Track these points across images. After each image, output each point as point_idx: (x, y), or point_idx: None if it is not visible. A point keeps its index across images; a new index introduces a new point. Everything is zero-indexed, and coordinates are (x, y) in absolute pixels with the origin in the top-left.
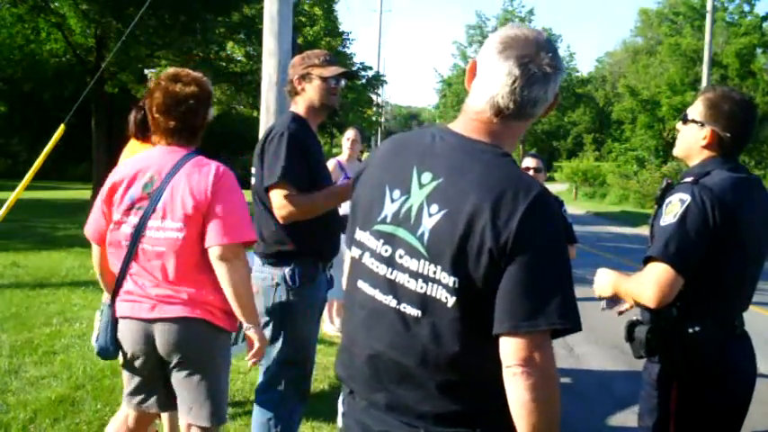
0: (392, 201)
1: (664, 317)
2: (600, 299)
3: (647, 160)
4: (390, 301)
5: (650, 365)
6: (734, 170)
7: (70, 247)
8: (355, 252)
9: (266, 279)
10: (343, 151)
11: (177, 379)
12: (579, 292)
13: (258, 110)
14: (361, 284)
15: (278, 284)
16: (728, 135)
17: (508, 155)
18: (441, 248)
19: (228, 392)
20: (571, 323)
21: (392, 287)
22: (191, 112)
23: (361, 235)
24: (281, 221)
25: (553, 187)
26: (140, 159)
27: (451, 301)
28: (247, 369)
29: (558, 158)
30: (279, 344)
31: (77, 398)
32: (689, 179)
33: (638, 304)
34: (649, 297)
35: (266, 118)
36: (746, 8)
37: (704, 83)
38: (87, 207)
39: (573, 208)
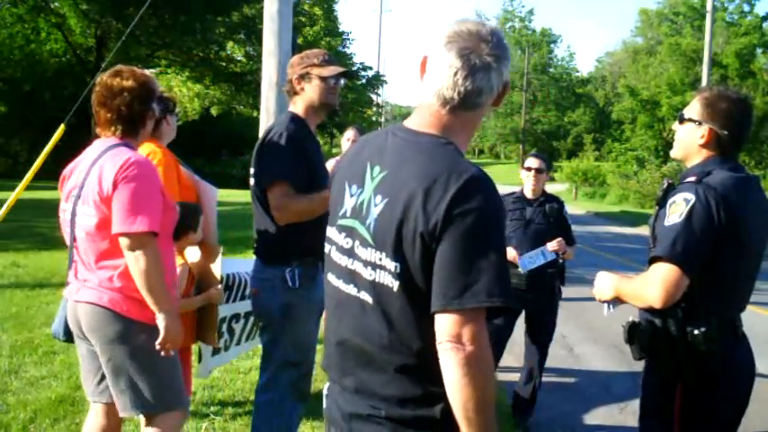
0: (351, 196)
1: (669, 318)
2: (602, 302)
3: (647, 160)
4: (352, 289)
5: (651, 366)
6: (734, 170)
7: None
8: (326, 247)
9: (266, 279)
10: (343, 151)
11: (102, 366)
12: (579, 292)
13: (258, 110)
14: (330, 277)
15: (277, 285)
16: (726, 133)
17: (451, 143)
18: (383, 236)
19: (169, 383)
20: (499, 301)
21: (352, 277)
22: (124, 104)
23: (330, 231)
24: (278, 222)
25: (553, 187)
26: (85, 151)
27: (396, 285)
28: (247, 369)
29: (558, 158)
30: (279, 344)
31: (77, 398)
32: (691, 179)
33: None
34: (655, 297)
35: (266, 118)
36: (746, 8)
37: (704, 83)
38: None
39: (573, 208)
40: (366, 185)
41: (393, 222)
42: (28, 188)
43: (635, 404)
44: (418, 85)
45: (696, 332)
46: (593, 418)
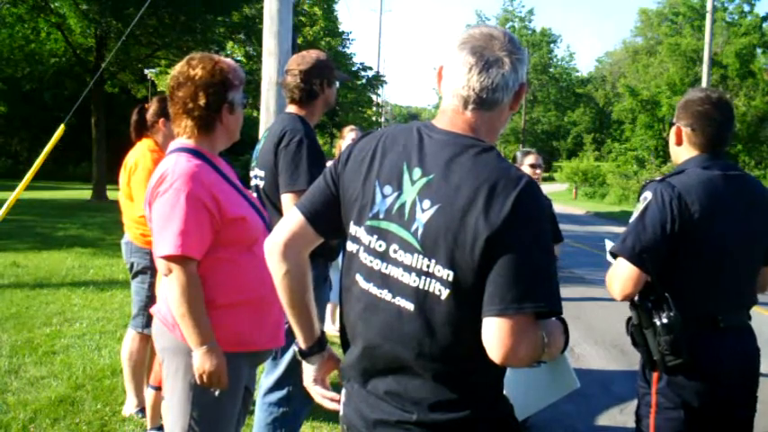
0: (384, 196)
1: (640, 309)
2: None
3: (647, 160)
4: (385, 294)
5: (641, 360)
6: (709, 168)
7: (70, 247)
8: (352, 247)
9: None
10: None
11: None
12: (579, 292)
13: (258, 110)
14: (358, 278)
15: None
16: (689, 128)
17: (493, 148)
18: (435, 243)
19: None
20: (557, 308)
21: (386, 281)
22: (189, 95)
23: (355, 230)
24: None
25: (553, 187)
26: None
27: (445, 293)
28: None
29: (558, 158)
30: (287, 344)
31: (77, 398)
32: (658, 177)
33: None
34: (614, 290)
35: (266, 118)
36: (746, 8)
37: (704, 83)
38: (87, 207)
39: (573, 208)
40: (405, 188)
41: (449, 230)
42: (28, 188)
43: (635, 404)
44: (438, 92)
45: (658, 323)
46: (594, 418)
